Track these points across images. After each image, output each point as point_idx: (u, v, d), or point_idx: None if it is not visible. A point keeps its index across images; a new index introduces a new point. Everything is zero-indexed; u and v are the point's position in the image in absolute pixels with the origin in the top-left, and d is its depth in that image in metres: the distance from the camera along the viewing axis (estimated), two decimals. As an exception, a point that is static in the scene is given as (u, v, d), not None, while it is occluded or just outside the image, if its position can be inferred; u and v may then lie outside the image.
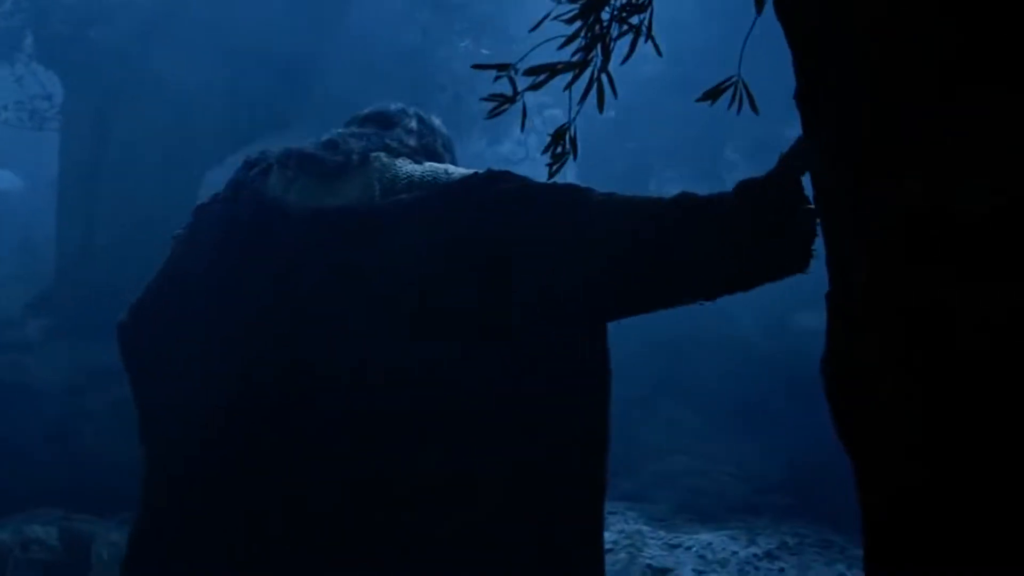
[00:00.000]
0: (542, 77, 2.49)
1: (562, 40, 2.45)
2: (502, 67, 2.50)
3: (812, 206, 2.77)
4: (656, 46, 2.53)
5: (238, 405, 3.24)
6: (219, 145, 9.47)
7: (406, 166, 3.37)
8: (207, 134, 9.50)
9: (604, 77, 2.50)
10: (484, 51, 10.00)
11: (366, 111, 3.74)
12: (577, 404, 3.10)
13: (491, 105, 2.55)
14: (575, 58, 2.48)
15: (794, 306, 12.16)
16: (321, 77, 9.99)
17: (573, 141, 2.61)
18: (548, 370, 3.09)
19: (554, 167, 2.64)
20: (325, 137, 3.54)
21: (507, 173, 3.25)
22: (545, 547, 3.05)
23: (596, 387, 3.12)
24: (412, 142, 3.56)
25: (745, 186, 2.91)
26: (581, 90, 2.49)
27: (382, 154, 3.41)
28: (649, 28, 2.48)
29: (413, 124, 3.65)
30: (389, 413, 3.10)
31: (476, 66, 2.57)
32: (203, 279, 3.46)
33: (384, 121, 3.63)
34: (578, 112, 2.55)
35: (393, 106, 3.74)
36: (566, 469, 3.08)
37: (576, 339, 3.11)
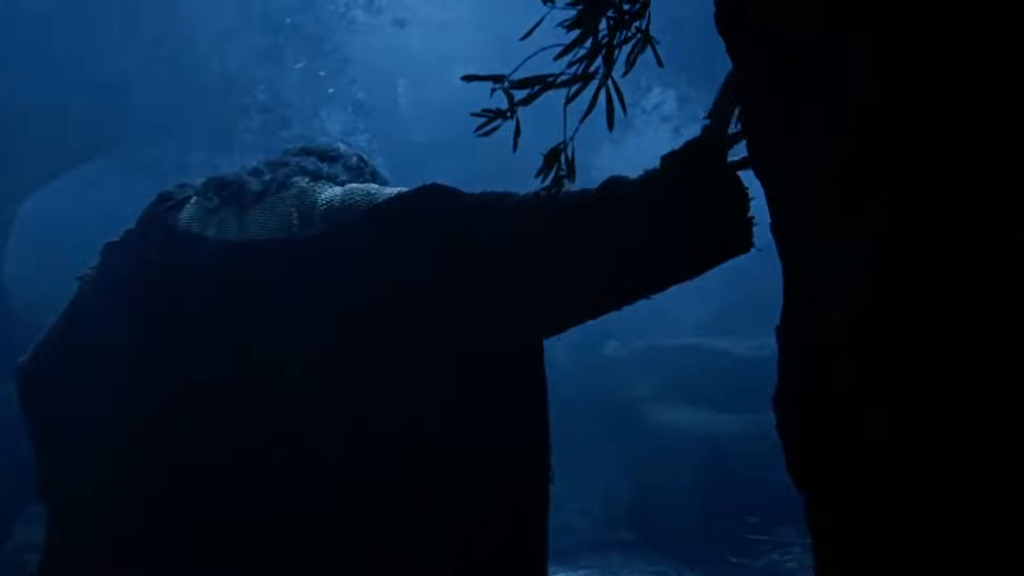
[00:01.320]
0: (529, 91, 2.18)
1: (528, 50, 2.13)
2: (496, 79, 2.20)
3: (734, 166, 2.56)
4: (657, 55, 2.25)
5: (156, 447, 2.98)
6: (41, 167, 8.92)
7: (326, 190, 3.07)
8: (28, 156, 8.80)
9: (613, 91, 2.21)
10: (321, 73, 9.68)
11: (307, 144, 3.45)
12: (517, 431, 2.90)
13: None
14: (572, 69, 2.17)
15: (602, 336, 12.20)
16: (146, 97, 9.49)
17: (571, 162, 2.31)
18: (486, 399, 2.87)
19: (552, 191, 2.37)
20: (252, 165, 3.25)
21: (436, 186, 2.97)
22: None
23: (535, 414, 2.90)
24: (347, 177, 3.25)
25: (667, 159, 2.65)
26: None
27: (299, 179, 3.11)
28: (646, 32, 2.20)
29: (354, 162, 3.35)
30: (313, 450, 2.87)
31: (467, 77, 2.27)
32: (113, 319, 3.13)
33: (322, 154, 3.32)
34: (576, 130, 2.26)
35: (336, 143, 3.48)
36: (509, 494, 2.89)
37: (514, 359, 2.90)
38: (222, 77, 9.76)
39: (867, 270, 1.52)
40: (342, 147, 3.41)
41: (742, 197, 2.57)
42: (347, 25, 10.70)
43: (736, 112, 2.49)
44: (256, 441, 2.89)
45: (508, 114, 2.24)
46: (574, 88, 2.22)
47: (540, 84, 2.21)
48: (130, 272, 3.15)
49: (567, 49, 2.17)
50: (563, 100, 2.19)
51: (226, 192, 3.10)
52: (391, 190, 3.02)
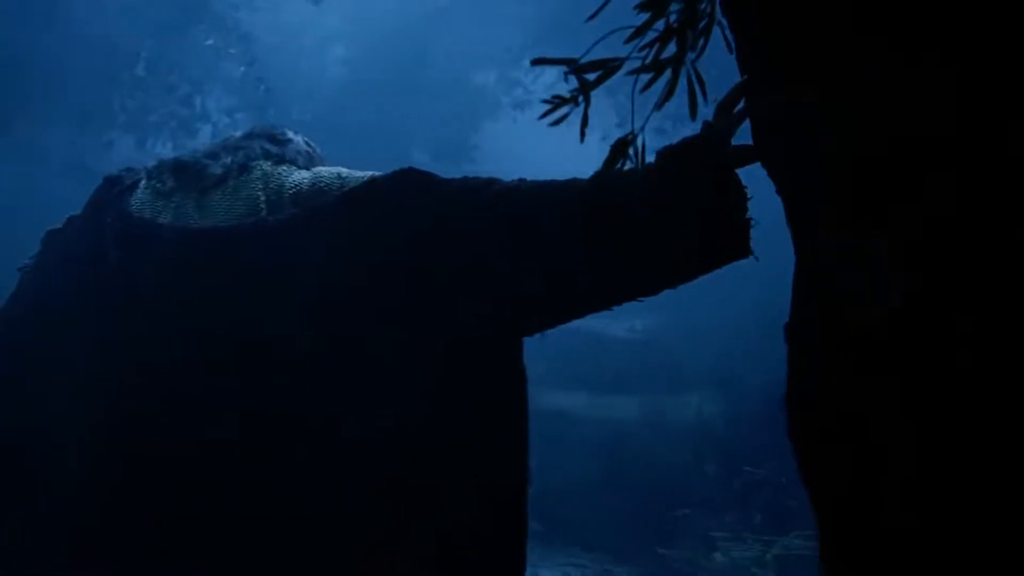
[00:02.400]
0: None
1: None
2: (568, 62, 2.04)
3: (731, 167, 2.47)
4: (727, 38, 2.12)
5: (116, 439, 2.84)
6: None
7: (293, 174, 2.97)
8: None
9: (693, 75, 2.08)
10: (232, 51, 9.39)
11: (248, 129, 3.29)
12: (497, 426, 2.81)
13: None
14: (643, 54, 2.00)
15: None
16: (45, 76, 9.10)
17: (640, 153, 2.16)
18: (466, 393, 2.76)
19: None
20: (205, 148, 3.15)
21: (412, 171, 2.86)
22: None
23: (514, 409, 2.82)
24: (302, 162, 3.12)
25: (664, 153, 2.55)
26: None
27: (262, 162, 3.00)
28: (712, 16, 2.08)
29: (303, 146, 3.21)
30: (287, 442, 2.76)
31: (536, 61, 2.12)
32: (63, 310, 2.99)
33: (272, 137, 3.18)
34: (648, 119, 2.12)
35: (277, 127, 3.31)
36: (489, 488, 2.80)
37: (493, 353, 2.78)
38: (127, 54, 9.47)
39: (900, 270, 1.44)
40: (289, 131, 3.26)
41: (741, 198, 2.47)
42: (248, 1, 10.47)
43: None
44: (224, 434, 2.77)
45: (576, 100, 2.09)
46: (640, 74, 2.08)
47: (610, 67, 2.06)
48: (80, 261, 3.00)
49: (638, 31, 2.03)
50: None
51: (184, 175, 2.98)
52: (363, 173, 2.91)
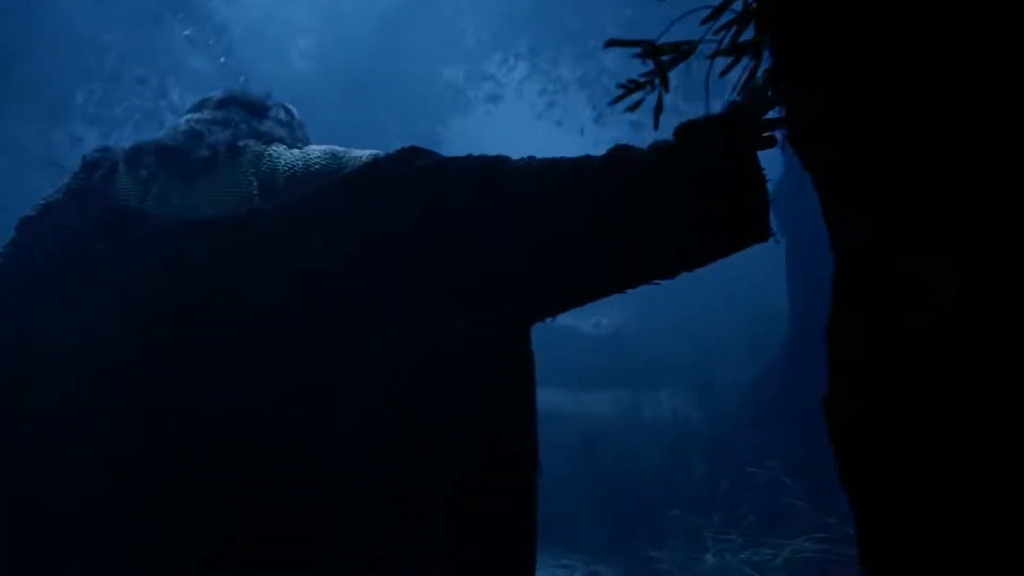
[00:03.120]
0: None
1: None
2: (644, 44, 1.94)
3: (753, 150, 2.36)
4: None
5: (105, 440, 2.67)
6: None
7: (284, 155, 2.79)
8: None
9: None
10: (210, 42, 9.26)
11: (222, 94, 3.10)
12: (506, 422, 2.66)
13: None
14: (718, 36, 1.91)
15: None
16: (24, 62, 8.93)
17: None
18: (470, 385, 2.62)
19: None
20: (184, 127, 2.93)
21: (417, 150, 2.72)
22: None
23: (523, 398, 2.66)
24: (285, 135, 2.97)
25: (687, 131, 2.42)
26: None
27: (251, 142, 2.83)
28: None
29: (283, 115, 3.07)
30: (279, 443, 2.63)
31: (610, 43, 2.02)
32: (42, 305, 2.83)
33: (250, 106, 3.02)
34: (728, 103, 2.03)
35: (255, 92, 3.13)
36: (494, 481, 2.65)
37: (494, 344, 2.64)
38: (92, 45, 9.32)
39: (962, 268, 1.35)
40: (264, 96, 3.13)
41: (760, 181, 2.37)
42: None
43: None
44: (224, 431, 2.64)
45: (652, 84, 1.99)
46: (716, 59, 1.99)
47: (684, 50, 1.96)
48: (64, 252, 2.84)
49: (716, 12, 1.94)
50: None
51: (167, 159, 2.83)
52: (360, 153, 2.79)
